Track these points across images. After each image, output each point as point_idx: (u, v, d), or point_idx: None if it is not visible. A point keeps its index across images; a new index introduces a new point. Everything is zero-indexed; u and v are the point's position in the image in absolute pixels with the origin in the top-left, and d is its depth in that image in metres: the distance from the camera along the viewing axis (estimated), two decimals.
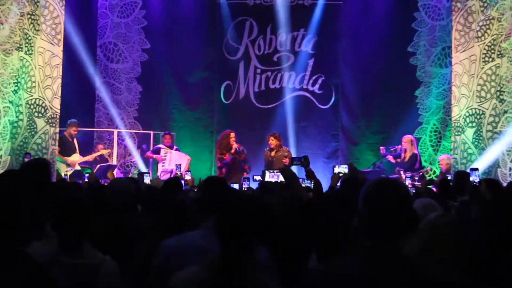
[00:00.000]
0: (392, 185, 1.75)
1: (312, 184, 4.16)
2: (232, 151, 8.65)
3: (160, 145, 9.67)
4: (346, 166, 4.92)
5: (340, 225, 2.37)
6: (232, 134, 8.80)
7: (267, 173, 6.35)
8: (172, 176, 7.49)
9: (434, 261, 1.93)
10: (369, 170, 8.66)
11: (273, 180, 6.00)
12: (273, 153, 8.66)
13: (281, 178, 4.63)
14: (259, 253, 2.04)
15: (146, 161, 10.34)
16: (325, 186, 4.67)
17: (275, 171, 6.56)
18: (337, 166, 5.38)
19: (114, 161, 10.13)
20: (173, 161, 9.27)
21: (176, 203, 2.93)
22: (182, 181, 6.02)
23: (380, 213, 1.71)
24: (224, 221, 1.82)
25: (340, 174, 4.82)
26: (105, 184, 5.23)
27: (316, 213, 2.83)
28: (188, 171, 7.52)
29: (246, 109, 10.65)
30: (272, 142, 8.60)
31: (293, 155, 8.80)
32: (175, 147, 9.74)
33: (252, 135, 10.26)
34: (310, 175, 4.27)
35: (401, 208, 1.72)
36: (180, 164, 8.09)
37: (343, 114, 10.39)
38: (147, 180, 6.53)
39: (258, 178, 7.15)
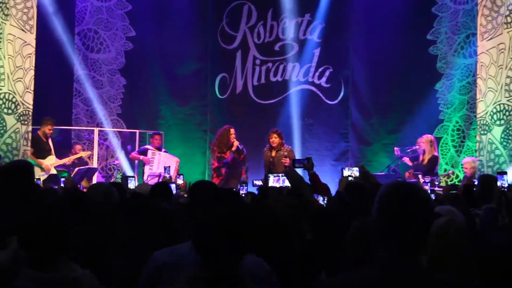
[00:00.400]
0: (410, 190, 1.75)
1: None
2: (234, 148, 8.73)
3: (147, 146, 9.73)
4: (357, 169, 4.90)
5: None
6: (232, 130, 8.87)
7: (271, 177, 6.32)
8: (160, 180, 7.55)
9: (445, 270, 1.95)
10: (383, 173, 8.70)
11: (277, 185, 5.96)
12: (273, 153, 8.67)
13: (287, 183, 4.54)
14: (257, 266, 2.08)
15: (131, 163, 10.39)
16: (333, 191, 4.68)
17: (280, 174, 6.56)
18: (346, 169, 5.38)
19: (94, 164, 10.14)
20: (161, 164, 9.33)
21: (159, 212, 2.93)
22: (174, 186, 6.13)
23: (397, 222, 1.71)
24: (199, 235, 1.85)
25: (350, 178, 4.90)
26: (84, 190, 5.32)
27: (327, 221, 2.86)
28: (180, 174, 7.49)
29: (243, 105, 10.74)
30: (275, 140, 8.61)
31: (297, 157, 8.91)
32: (163, 149, 9.82)
33: (250, 134, 10.30)
34: (314, 179, 4.29)
35: (421, 215, 1.72)
36: (169, 166, 8.15)
37: (353, 111, 10.43)
38: (132, 185, 6.54)
39: (259, 182, 7.17)
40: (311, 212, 3.24)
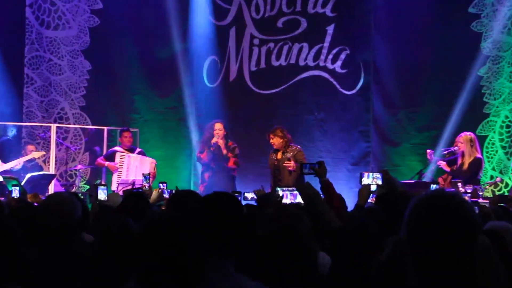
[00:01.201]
0: (450, 202, 1.75)
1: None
2: (212, 147, 8.76)
3: (116, 148, 9.79)
4: (379, 175, 4.88)
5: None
6: (218, 125, 8.97)
7: (280, 192, 6.00)
8: (135, 189, 7.67)
9: None
10: (413, 181, 8.68)
11: (287, 201, 5.82)
12: (279, 155, 8.69)
13: (300, 199, 4.59)
14: None
15: (98, 170, 10.46)
16: (351, 205, 4.75)
17: (292, 188, 6.21)
18: (366, 175, 5.23)
19: (51, 169, 10.20)
20: (133, 169, 9.38)
21: (117, 228, 3.00)
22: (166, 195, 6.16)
23: (433, 243, 1.72)
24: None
25: (373, 188, 4.82)
26: (39, 202, 5.30)
27: (351, 245, 2.87)
28: (162, 182, 7.35)
29: (239, 96, 10.79)
30: (273, 141, 8.64)
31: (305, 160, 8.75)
32: (138, 150, 9.82)
33: (247, 132, 10.42)
34: (328, 189, 4.31)
35: (464, 234, 1.73)
36: (150, 174, 8.12)
37: (376, 103, 10.42)
38: (102, 195, 6.57)
39: (250, 195, 7.05)
40: (331, 233, 3.27)
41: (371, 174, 5.09)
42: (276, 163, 8.66)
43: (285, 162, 8.44)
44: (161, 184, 7.03)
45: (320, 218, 3.60)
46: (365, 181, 5.04)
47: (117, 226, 3.04)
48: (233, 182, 9.00)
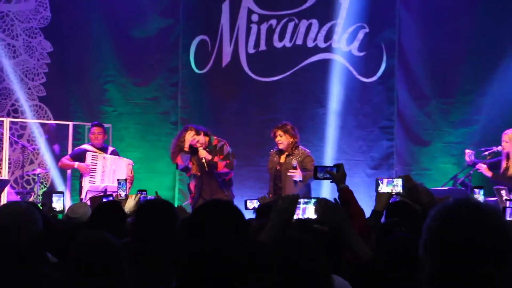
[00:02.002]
0: (477, 213, 1.77)
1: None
2: (186, 148, 8.59)
3: (85, 146, 9.74)
4: (400, 180, 4.88)
5: None
6: (189, 135, 8.65)
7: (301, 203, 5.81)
8: (108, 198, 7.40)
9: None
10: (446, 188, 8.69)
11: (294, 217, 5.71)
12: (282, 158, 8.62)
13: (308, 214, 4.54)
14: None
15: (62, 173, 10.37)
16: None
17: (303, 200, 6.08)
18: (383, 182, 5.09)
19: (4, 174, 10.16)
20: (110, 172, 9.40)
21: (98, 247, 3.02)
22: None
23: (457, 263, 1.74)
24: None
25: (393, 193, 4.82)
26: None
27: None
28: (142, 191, 7.19)
29: (233, 85, 10.73)
30: (281, 139, 8.55)
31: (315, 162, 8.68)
32: (111, 149, 9.77)
33: (243, 128, 10.35)
34: (347, 198, 4.30)
35: (497, 254, 1.74)
36: (126, 180, 8.07)
37: (401, 93, 10.37)
38: (58, 204, 6.58)
39: (253, 204, 7.06)
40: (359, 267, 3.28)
41: (390, 180, 5.00)
42: (278, 167, 8.59)
43: (290, 170, 8.36)
44: (140, 193, 6.96)
45: (344, 248, 3.56)
46: (382, 188, 4.99)
47: (99, 244, 3.06)
48: (229, 190, 8.84)
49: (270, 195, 7.65)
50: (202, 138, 8.65)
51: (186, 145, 8.63)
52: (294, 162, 8.39)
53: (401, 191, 4.81)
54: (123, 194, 7.52)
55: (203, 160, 8.53)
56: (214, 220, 2.95)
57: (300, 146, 8.64)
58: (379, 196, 4.67)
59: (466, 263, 1.74)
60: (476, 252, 1.74)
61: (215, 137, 8.83)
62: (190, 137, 8.62)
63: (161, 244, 3.42)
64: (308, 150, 8.76)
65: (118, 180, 7.90)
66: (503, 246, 1.76)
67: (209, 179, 8.72)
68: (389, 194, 4.69)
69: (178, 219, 3.64)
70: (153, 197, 6.83)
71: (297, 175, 8.26)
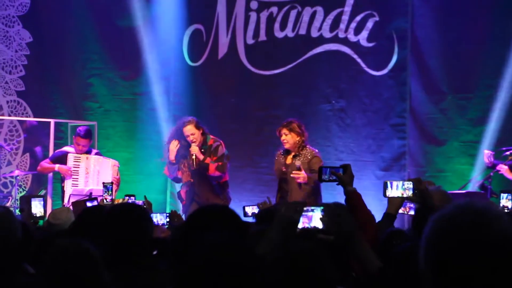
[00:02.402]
0: (479, 224, 1.74)
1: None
2: (171, 159, 8.64)
3: (66, 148, 9.76)
4: (410, 184, 4.91)
5: None
6: (188, 129, 8.70)
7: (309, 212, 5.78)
8: (93, 202, 7.36)
9: None
10: (463, 192, 8.67)
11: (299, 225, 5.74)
12: (288, 159, 8.58)
13: (315, 222, 4.38)
14: None
15: (42, 177, 10.35)
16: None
17: (309, 208, 5.97)
18: (392, 185, 5.11)
19: None
20: (94, 174, 9.41)
21: (73, 257, 3.02)
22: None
23: (461, 275, 1.73)
24: None
25: (404, 195, 4.86)
26: None
27: None
28: (130, 196, 7.40)
29: (230, 78, 10.76)
30: (287, 138, 8.53)
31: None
32: (94, 152, 9.79)
33: (241, 126, 10.43)
34: (354, 201, 4.33)
35: (507, 265, 1.72)
36: (112, 183, 8.12)
37: (414, 87, 10.33)
38: (38, 210, 6.56)
39: (251, 209, 7.11)
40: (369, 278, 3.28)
41: (399, 183, 5.05)
42: (283, 169, 8.54)
43: (293, 171, 8.33)
44: (128, 198, 7.14)
45: (352, 258, 3.57)
46: (391, 192, 5.04)
47: (75, 254, 3.04)
48: (224, 193, 8.87)
49: (268, 199, 7.61)
50: (198, 134, 8.67)
51: (172, 157, 8.69)
52: (298, 163, 8.34)
53: (411, 195, 4.81)
54: (109, 198, 7.56)
55: (193, 157, 8.55)
56: (211, 227, 2.96)
57: (308, 146, 8.60)
58: (391, 201, 4.73)
59: (475, 279, 1.71)
60: (479, 271, 1.71)
61: (211, 137, 8.84)
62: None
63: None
64: (317, 150, 8.74)
65: (103, 183, 7.92)
66: (510, 262, 1.72)
67: (202, 183, 8.75)
68: (403, 200, 4.76)
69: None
70: (141, 202, 6.82)
71: (301, 177, 8.22)
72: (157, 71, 10.90)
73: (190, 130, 8.64)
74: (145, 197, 6.85)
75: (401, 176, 9.75)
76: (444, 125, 10.33)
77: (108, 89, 10.93)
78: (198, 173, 8.71)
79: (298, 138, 8.50)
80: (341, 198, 4.40)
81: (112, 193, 7.84)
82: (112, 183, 8.04)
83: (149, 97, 10.95)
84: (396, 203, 4.70)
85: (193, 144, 8.62)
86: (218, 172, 8.68)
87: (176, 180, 8.98)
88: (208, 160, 8.63)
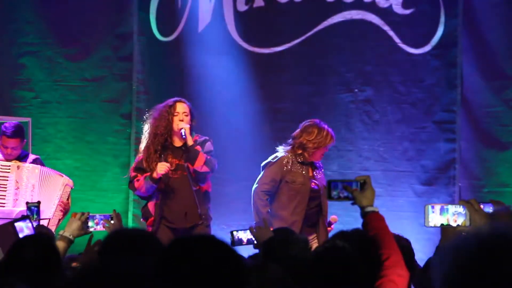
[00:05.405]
0: (505, 244, 1.94)
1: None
2: (155, 174, 8.09)
3: None
4: (461, 207, 4.72)
5: None
6: (181, 107, 8.28)
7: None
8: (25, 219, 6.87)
9: None
10: None
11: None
12: (310, 171, 8.28)
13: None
14: None
15: None
16: (421, 255, 5.37)
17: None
18: (433, 209, 4.87)
19: None
20: (27, 190, 8.88)
21: None
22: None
23: None
24: None
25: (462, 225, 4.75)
26: None
27: None
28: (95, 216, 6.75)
29: (215, 57, 10.04)
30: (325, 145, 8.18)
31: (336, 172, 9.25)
32: (32, 158, 9.16)
33: (232, 126, 9.72)
34: (374, 227, 4.34)
35: None
36: (39, 204, 7.60)
37: (467, 70, 9.61)
38: None
39: (244, 235, 6.79)
40: None
41: (445, 207, 4.72)
42: (313, 185, 8.16)
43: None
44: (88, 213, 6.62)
45: None
46: (433, 219, 4.82)
47: None
48: (204, 206, 8.28)
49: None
50: (189, 121, 8.27)
51: (155, 175, 8.08)
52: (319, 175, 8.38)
53: (465, 224, 4.65)
54: (34, 222, 7.08)
55: (182, 130, 8.08)
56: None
57: None
58: (444, 231, 4.65)
59: None
60: None
61: (195, 134, 8.36)
62: (181, 109, 8.32)
63: None
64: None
65: (27, 204, 7.61)
66: None
67: (179, 189, 8.18)
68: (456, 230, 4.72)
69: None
70: (108, 215, 6.50)
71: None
72: (115, 48, 10.02)
73: (185, 108, 8.31)
74: (114, 211, 6.43)
75: (449, 192, 9.34)
76: (509, 123, 9.66)
77: (46, 72, 9.95)
78: (179, 178, 8.19)
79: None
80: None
81: (37, 217, 7.45)
82: (38, 204, 7.52)
83: (105, 83, 10.04)
84: (450, 234, 4.62)
85: (181, 122, 8.29)
86: (206, 168, 8.19)
87: (148, 197, 8.39)
88: (199, 147, 8.20)
